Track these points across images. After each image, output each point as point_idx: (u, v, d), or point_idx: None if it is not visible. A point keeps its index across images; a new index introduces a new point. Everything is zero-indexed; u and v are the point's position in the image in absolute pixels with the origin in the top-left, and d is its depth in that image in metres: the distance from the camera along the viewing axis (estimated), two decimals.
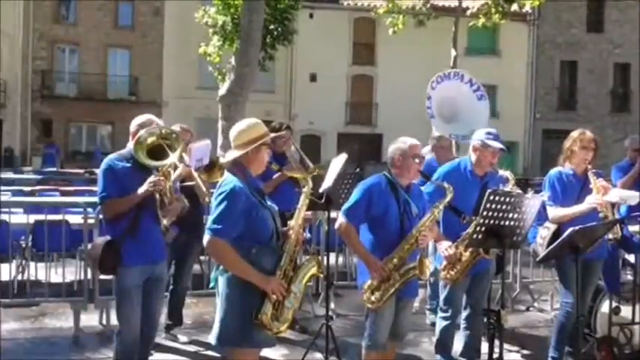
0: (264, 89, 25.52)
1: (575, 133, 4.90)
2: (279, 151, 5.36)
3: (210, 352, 5.24)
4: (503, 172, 4.81)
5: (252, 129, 3.46)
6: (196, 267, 6.31)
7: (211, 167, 4.70)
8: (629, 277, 5.49)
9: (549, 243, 4.55)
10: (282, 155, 5.41)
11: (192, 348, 5.41)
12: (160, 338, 4.93)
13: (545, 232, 4.75)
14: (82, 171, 16.67)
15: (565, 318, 4.83)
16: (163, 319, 4.97)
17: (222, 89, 13.47)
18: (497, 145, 4.60)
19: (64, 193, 9.99)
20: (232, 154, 3.44)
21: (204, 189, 4.76)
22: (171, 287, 5.26)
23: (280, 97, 29.76)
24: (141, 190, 3.78)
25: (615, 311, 5.23)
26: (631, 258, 5.43)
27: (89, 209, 5.91)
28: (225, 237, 3.22)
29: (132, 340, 3.91)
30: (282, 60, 25.08)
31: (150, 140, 3.84)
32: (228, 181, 3.32)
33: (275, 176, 5.02)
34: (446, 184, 4.21)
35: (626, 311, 5.28)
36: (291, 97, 30.08)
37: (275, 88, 29.32)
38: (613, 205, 4.81)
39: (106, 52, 29.00)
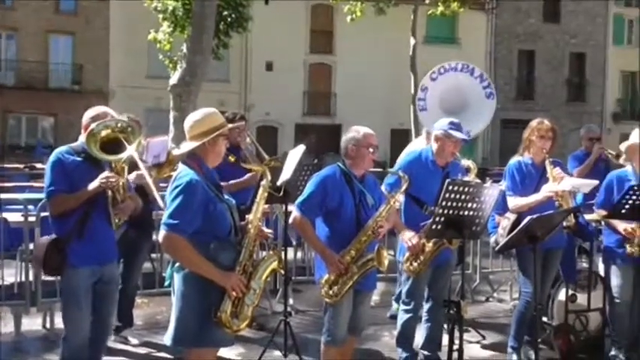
0: (218, 78, 25.11)
1: (533, 123, 4.93)
2: (233, 143, 5.20)
3: (163, 354, 5.07)
4: (465, 162, 4.78)
5: (209, 119, 3.37)
6: (147, 265, 6.12)
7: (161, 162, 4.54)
8: (585, 265, 5.56)
9: (509, 233, 4.56)
10: (237, 147, 5.27)
11: (144, 350, 5.22)
12: (110, 341, 4.75)
13: (505, 222, 4.79)
14: (21, 166, 15.97)
15: (524, 307, 4.89)
16: (113, 320, 4.78)
17: (174, 78, 13.10)
18: (460, 135, 4.60)
19: (2, 190, 9.53)
20: (188, 146, 3.34)
21: (155, 191, 4.53)
22: (120, 286, 5.08)
23: (235, 86, 29.29)
24: (92, 186, 3.60)
25: (571, 299, 5.30)
26: (586, 246, 5.49)
27: (30, 207, 5.62)
28: (181, 232, 3.12)
29: (79, 345, 3.73)
30: (237, 48, 24.68)
31: (104, 133, 3.66)
32: (183, 174, 3.22)
33: (245, 177, 4.95)
34: (401, 173, 4.18)
35: (582, 299, 5.34)
36: (246, 86, 29.66)
37: (229, 77, 28.86)
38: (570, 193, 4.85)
39: (47, 39, 27.69)
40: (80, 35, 27.76)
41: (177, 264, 3.26)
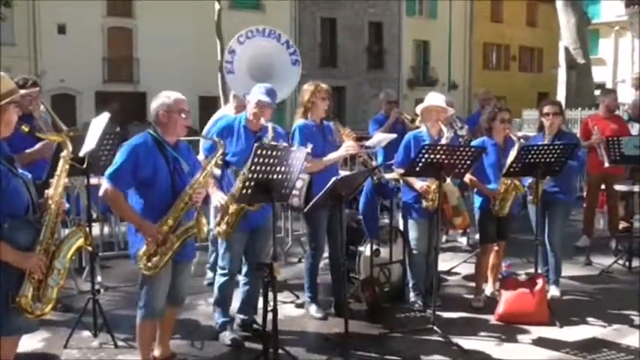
0: (2, 41, 22.64)
1: (311, 87, 5.19)
2: (25, 111, 4.73)
3: None
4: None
5: None
6: None
7: None
8: (387, 222, 5.96)
9: (306, 193, 4.77)
10: (30, 116, 4.82)
11: None
12: None
13: (299, 183, 4.94)
14: None
15: (311, 261, 5.37)
16: None
17: None
18: (271, 100, 4.65)
19: None
20: None
21: None
22: None
23: (22, 50, 26.44)
24: None
25: (376, 254, 5.66)
26: (387, 203, 5.90)
27: None
28: None
29: None
30: (23, 8, 22.36)
31: None
32: None
33: (36, 147, 4.55)
34: (216, 138, 4.16)
35: (385, 253, 5.74)
36: (35, 51, 26.99)
37: (15, 40, 26.08)
38: (369, 156, 5.20)
39: None
40: None
41: None
